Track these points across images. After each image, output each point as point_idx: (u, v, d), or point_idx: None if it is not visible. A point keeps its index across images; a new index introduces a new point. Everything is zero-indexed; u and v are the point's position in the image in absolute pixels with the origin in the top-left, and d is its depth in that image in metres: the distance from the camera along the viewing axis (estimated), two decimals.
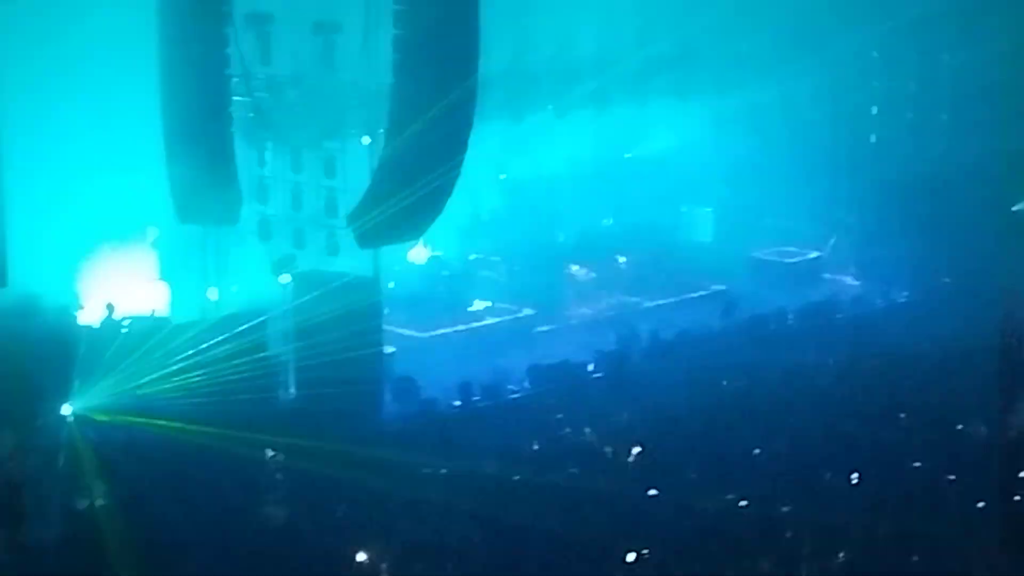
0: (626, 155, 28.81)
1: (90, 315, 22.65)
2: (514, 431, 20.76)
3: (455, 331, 25.51)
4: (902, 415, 20.57)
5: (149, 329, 21.23)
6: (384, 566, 16.57)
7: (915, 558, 16.25)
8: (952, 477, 18.35)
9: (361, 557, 16.62)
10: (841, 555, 16.35)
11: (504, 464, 19.25)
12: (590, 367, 23.65)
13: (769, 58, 26.84)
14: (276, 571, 16.28)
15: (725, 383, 22.12)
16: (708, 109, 28.18)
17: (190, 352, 20.53)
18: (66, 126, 22.54)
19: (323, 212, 22.68)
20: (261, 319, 21.48)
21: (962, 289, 26.73)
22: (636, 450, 19.63)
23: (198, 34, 21.33)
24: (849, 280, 29.10)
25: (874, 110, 27.85)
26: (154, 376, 20.34)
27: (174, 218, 22.57)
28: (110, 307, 22.45)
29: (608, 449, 19.92)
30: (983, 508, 17.48)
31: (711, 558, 16.28)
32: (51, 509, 17.54)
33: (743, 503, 17.83)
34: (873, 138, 28.11)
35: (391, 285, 24.48)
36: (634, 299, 27.59)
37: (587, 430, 20.61)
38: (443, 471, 18.76)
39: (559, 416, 21.36)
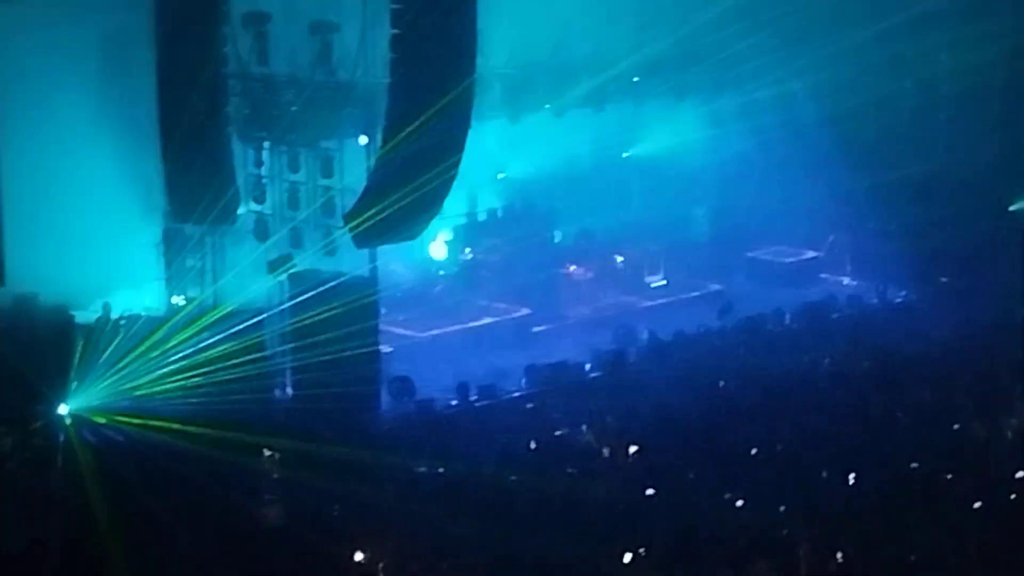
0: (623, 155, 28.77)
1: (86, 315, 22.62)
2: (511, 430, 20.78)
3: (452, 331, 25.51)
4: (899, 415, 20.59)
5: (145, 329, 21.21)
6: (381, 565, 16.57)
7: (912, 557, 16.25)
8: (949, 476, 18.37)
9: (358, 557, 16.62)
10: (838, 554, 16.35)
11: (501, 463, 19.27)
12: (587, 367, 23.66)
13: (766, 57, 26.81)
14: (272, 570, 16.29)
15: (722, 383, 22.13)
16: (705, 108, 28.15)
17: (186, 352, 20.54)
18: (64, 125, 22.54)
19: (320, 212, 22.66)
20: (258, 319, 21.48)
21: (959, 289, 26.74)
22: (633, 450, 19.64)
23: (196, 34, 21.34)
24: (846, 280, 29.10)
25: (871, 110, 27.82)
26: (150, 376, 20.34)
27: (171, 218, 22.56)
28: (106, 306, 22.43)
29: (605, 449, 19.93)
30: (980, 507, 17.49)
31: (708, 557, 16.28)
32: (47, 508, 17.53)
33: (740, 502, 17.84)
34: (870, 138, 28.08)
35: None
36: (631, 299, 27.60)
37: (584, 429, 20.63)
38: (440, 470, 18.77)
39: (556, 416, 21.37)
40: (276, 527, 17.78)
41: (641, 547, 16.47)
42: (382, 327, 22.33)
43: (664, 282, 27.59)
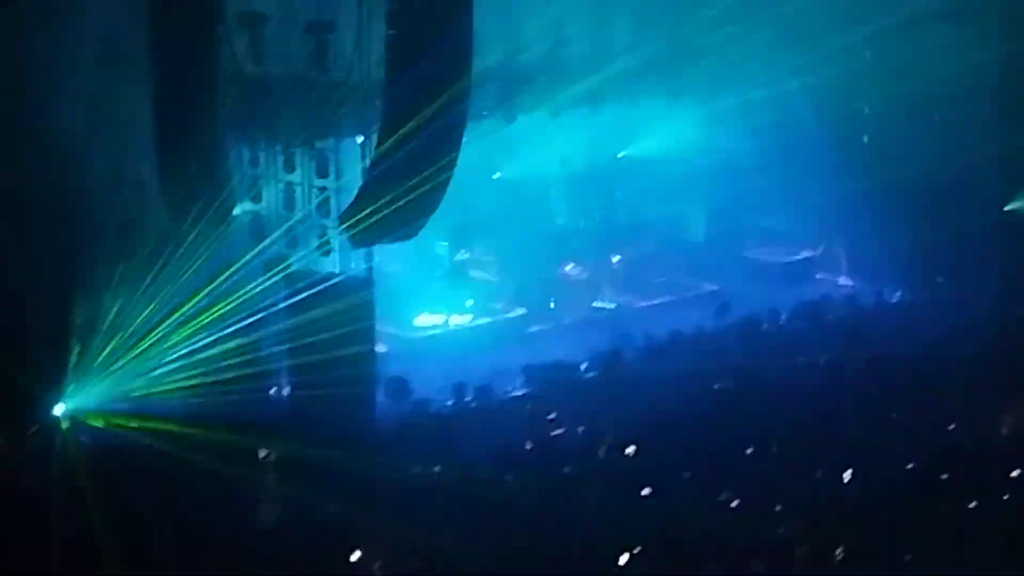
0: (619, 155, 28.79)
1: (83, 313, 22.61)
2: (507, 431, 20.77)
3: (448, 331, 25.53)
4: (894, 415, 20.60)
5: (143, 329, 21.20)
6: (377, 565, 16.56)
7: (908, 557, 16.26)
8: (945, 476, 18.38)
9: (355, 556, 16.62)
10: (834, 554, 16.35)
11: (497, 464, 19.26)
12: (583, 367, 23.66)
13: (763, 58, 26.82)
14: (269, 569, 16.28)
15: (718, 383, 22.13)
16: (701, 109, 28.17)
17: (183, 352, 20.53)
18: (57, 125, 22.51)
19: (316, 212, 22.65)
20: (254, 319, 21.47)
21: (955, 289, 26.75)
22: (629, 450, 19.64)
23: (190, 33, 21.31)
24: (842, 280, 29.12)
25: (866, 109, 27.84)
26: (147, 376, 20.34)
27: (167, 218, 22.54)
28: (102, 306, 22.41)
29: (601, 449, 19.93)
30: (975, 508, 17.50)
31: (704, 558, 16.28)
32: (44, 508, 17.51)
33: (736, 502, 17.84)
34: (865, 138, 28.11)
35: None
36: (627, 299, 27.61)
37: (580, 430, 20.63)
38: (436, 470, 18.77)
39: (552, 416, 21.37)
40: (272, 526, 17.77)
41: (637, 547, 16.46)
42: (378, 327, 22.34)
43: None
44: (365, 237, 21.66)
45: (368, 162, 21.95)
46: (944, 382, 21.59)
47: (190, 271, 22.88)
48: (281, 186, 22.96)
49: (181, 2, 21.54)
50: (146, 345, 20.75)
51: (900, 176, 27.30)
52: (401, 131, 20.96)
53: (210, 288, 22.62)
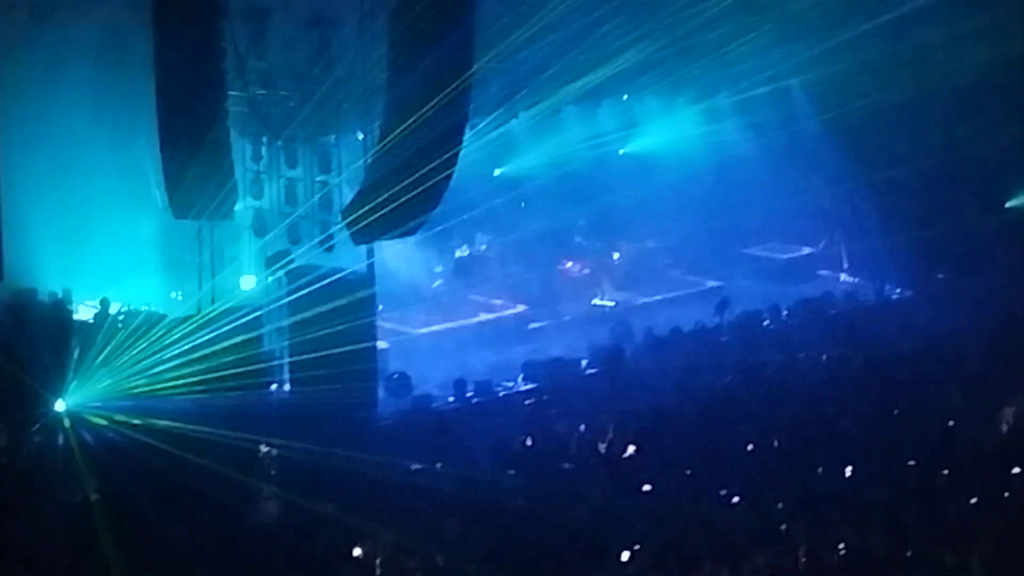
0: (620, 151, 28.78)
1: (85, 310, 22.64)
2: (508, 427, 20.79)
3: (449, 327, 25.53)
4: (895, 411, 20.61)
5: (144, 324, 21.22)
6: (379, 560, 16.58)
7: (908, 553, 16.27)
8: (946, 472, 18.40)
9: (356, 552, 16.64)
10: (835, 551, 16.37)
11: (498, 460, 19.29)
12: (584, 363, 23.67)
13: (764, 54, 26.81)
14: (271, 566, 16.29)
15: (719, 379, 22.14)
16: (703, 105, 28.17)
17: (185, 347, 20.54)
18: (62, 119, 22.54)
19: (318, 207, 22.67)
20: (256, 315, 21.49)
21: (956, 285, 26.75)
22: (630, 446, 19.65)
23: (194, 28, 21.30)
24: (843, 276, 29.12)
25: (868, 106, 27.83)
26: (148, 371, 20.35)
27: (169, 213, 22.56)
28: (105, 302, 22.45)
29: (602, 445, 19.94)
30: (976, 504, 17.51)
31: (705, 554, 16.29)
32: (44, 504, 17.53)
33: (737, 498, 17.86)
34: (867, 134, 28.09)
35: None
36: (628, 295, 27.61)
37: (581, 426, 20.63)
38: (437, 466, 18.78)
39: (553, 412, 21.39)
40: (274, 522, 17.79)
41: (637, 543, 16.47)
42: (379, 323, 22.35)
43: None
44: (367, 233, 21.67)
45: (370, 158, 21.97)
46: (945, 378, 21.60)
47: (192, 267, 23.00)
48: (283, 182, 22.99)
49: None
50: (149, 339, 20.77)
51: (901, 172, 27.31)
52: (403, 127, 20.97)
53: (212, 284, 22.71)
